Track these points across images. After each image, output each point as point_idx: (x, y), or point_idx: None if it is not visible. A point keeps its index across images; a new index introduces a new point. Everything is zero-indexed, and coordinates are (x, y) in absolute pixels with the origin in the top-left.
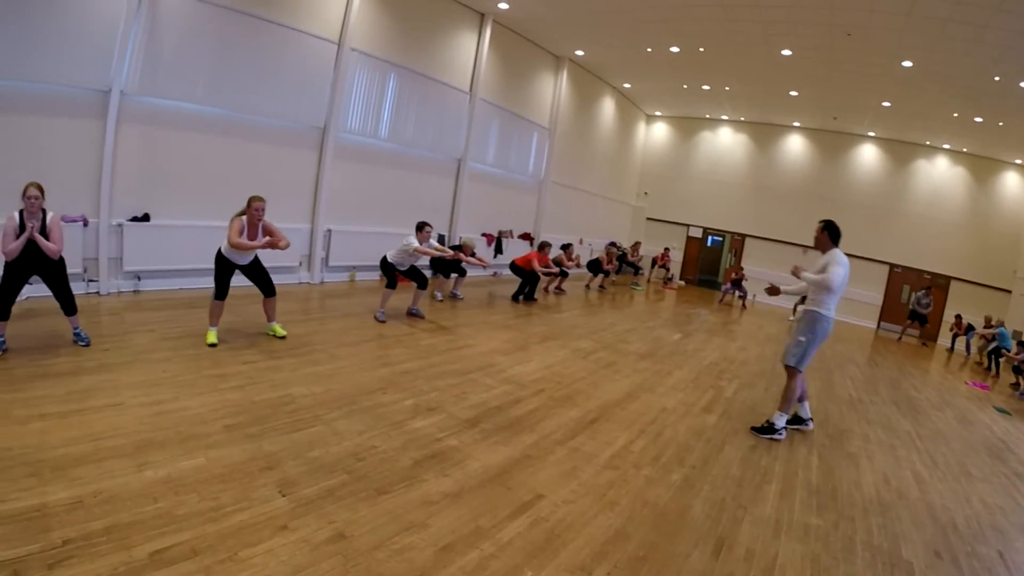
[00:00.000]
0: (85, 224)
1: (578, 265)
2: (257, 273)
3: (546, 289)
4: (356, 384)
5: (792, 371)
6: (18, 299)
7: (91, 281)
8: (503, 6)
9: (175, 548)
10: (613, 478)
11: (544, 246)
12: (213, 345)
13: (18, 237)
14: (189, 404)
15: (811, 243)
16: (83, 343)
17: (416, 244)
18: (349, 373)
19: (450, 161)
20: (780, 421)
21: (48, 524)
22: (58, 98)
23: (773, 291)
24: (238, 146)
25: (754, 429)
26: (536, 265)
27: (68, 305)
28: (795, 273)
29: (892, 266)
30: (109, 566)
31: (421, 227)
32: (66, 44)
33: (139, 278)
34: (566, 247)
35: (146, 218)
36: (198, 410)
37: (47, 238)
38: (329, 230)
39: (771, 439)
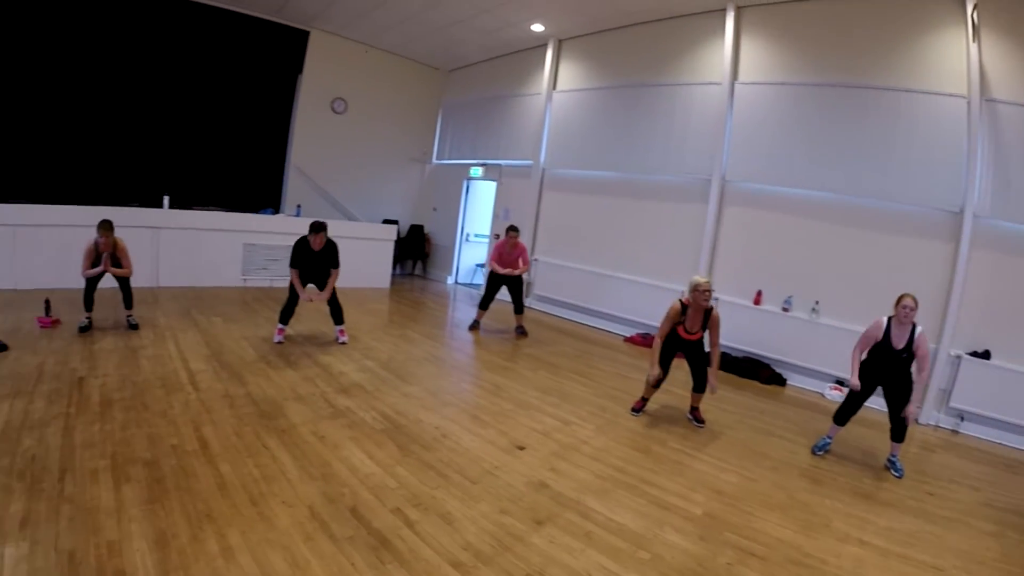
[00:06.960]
0: None
1: None
2: None
3: None
4: None
5: None
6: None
7: None
8: None
9: None
10: None
11: None
12: None
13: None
14: None
15: None
16: (897, 474)
17: None
18: None
19: None
20: None
21: None
22: (911, 218)
23: None
24: None
25: None
26: None
27: (898, 433)
28: None
29: None
30: None
31: None
32: (917, 166)
33: (962, 418)
34: None
35: (986, 355)
36: None
37: (919, 348)
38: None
39: None
